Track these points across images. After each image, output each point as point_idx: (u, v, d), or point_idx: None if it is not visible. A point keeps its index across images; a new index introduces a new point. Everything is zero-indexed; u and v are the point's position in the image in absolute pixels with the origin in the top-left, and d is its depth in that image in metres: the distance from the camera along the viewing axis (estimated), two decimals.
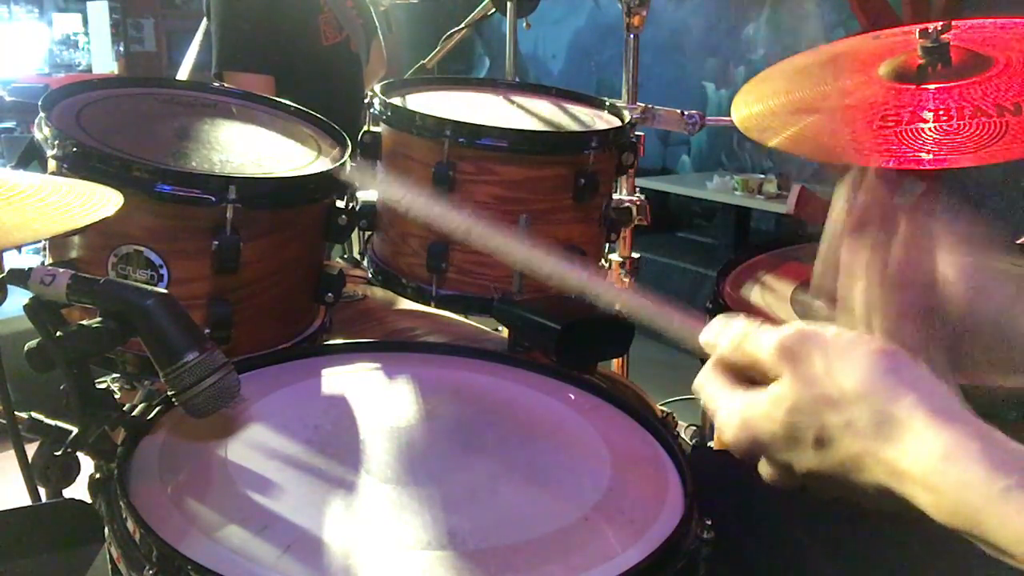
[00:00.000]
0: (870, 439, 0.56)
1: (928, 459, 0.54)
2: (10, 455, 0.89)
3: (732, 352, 0.65)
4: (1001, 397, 0.97)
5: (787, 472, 0.61)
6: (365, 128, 1.46)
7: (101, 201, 0.88)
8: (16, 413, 0.90)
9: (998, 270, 0.78)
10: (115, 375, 1.30)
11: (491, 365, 1.14)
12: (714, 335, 0.66)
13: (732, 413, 0.63)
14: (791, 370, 0.60)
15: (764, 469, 0.64)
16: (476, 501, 0.83)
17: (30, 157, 1.20)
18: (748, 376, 0.64)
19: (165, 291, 0.85)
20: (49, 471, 0.88)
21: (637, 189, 1.93)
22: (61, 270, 0.85)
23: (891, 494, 0.56)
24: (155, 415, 0.93)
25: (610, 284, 0.77)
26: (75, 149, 1.09)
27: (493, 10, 2.06)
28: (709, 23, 5.80)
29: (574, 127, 1.50)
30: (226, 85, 2.16)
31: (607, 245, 1.70)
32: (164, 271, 1.12)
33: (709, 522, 0.81)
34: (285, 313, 1.26)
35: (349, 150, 1.31)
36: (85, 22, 8.15)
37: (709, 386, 0.66)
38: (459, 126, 1.33)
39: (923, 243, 0.76)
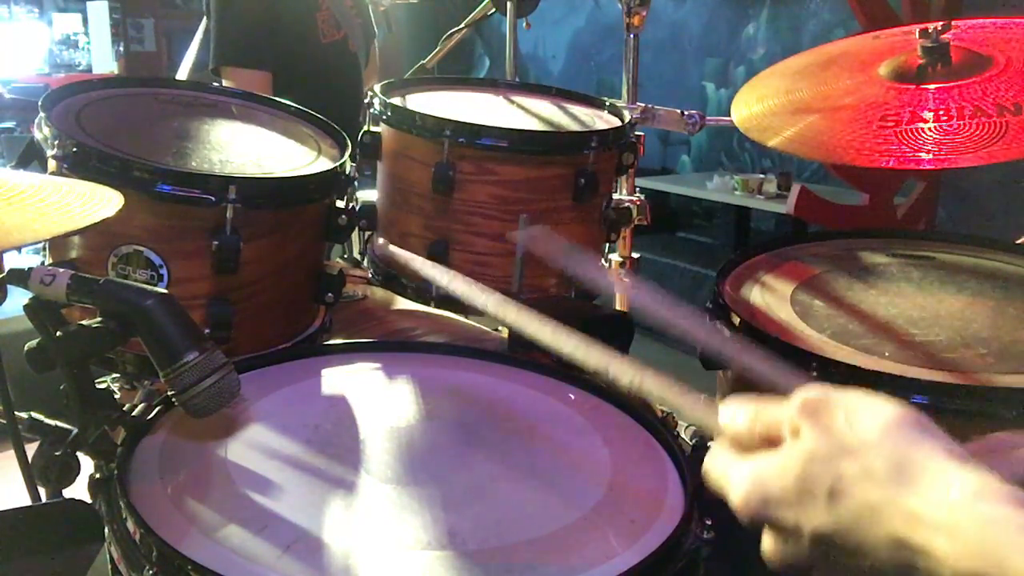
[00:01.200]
0: (887, 485, 0.55)
1: (949, 500, 0.53)
2: (10, 455, 0.88)
3: (752, 421, 0.64)
4: (1001, 396, 0.97)
5: (793, 536, 0.60)
6: (365, 128, 1.46)
7: (101, 201, 0.88)
8: (16, 413, 0.90)
9: None
10: (115, 375, 1.30)
11: (491, 365, 1.14)
12: (732, 414, 0.66)
13: (744, 475, 0.62)
14: (811, 422, 0.60)
15: (768, 541, 0.62)
16: (476, 501, 0.83)
17: (30, 157, 1.20)
18: (763, 448, 0.64)
19: (165, 291, 0.85)
20: (49, 471, 0.88)
21: (637, 189, 1.92)
22: (61, 270, 0.85)
23: (905, 550, 0.54)
24: (155, 415, 0.93)
25: (629, 364, 0.75)
26: (75, 149, 1.09)
27: (493, 10, 2.05)
28: (709, 23, 5.80)
29: (574, 127, 1.50)
30: (224, 82, 2.16)
31: (607, 245, 1.70)
32: (164, 271, 1.12)
33: (709, 522, 0.81)
34: (285, 313, 1.26)
35: (349, 150, 1.32)
36: (85, 22, 8.15)
37: (718, 461, 0.65)
38: (459, 126, 1.33)
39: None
